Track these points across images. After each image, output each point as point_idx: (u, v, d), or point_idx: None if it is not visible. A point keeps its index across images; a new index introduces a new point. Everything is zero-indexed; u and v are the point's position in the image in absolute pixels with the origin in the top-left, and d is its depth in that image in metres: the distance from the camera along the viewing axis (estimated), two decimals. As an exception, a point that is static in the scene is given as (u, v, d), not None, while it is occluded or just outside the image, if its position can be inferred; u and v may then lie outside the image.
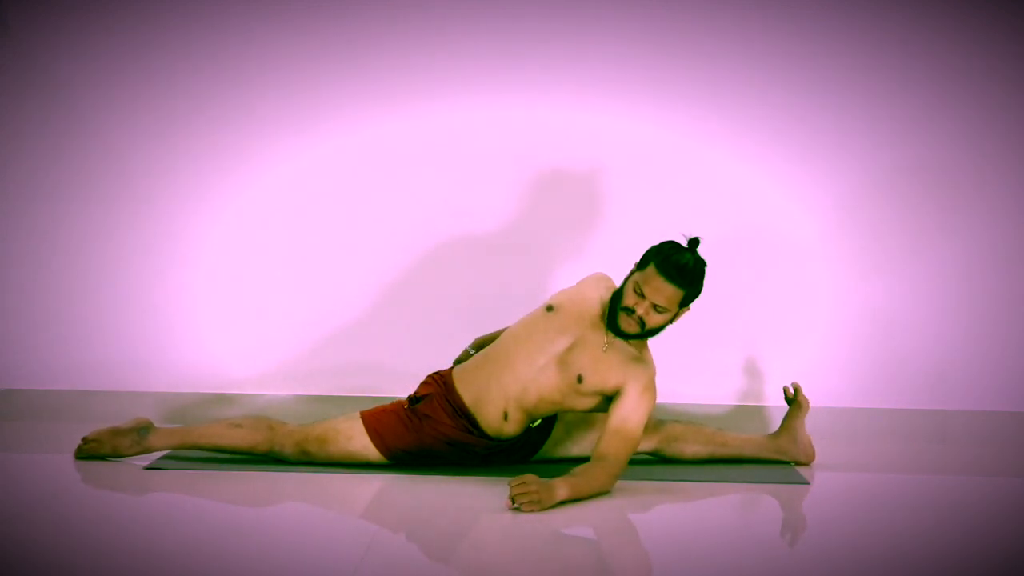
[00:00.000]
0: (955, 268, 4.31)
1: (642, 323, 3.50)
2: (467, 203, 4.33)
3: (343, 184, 4.33)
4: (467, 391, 3.66)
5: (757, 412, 4.30)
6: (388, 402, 3.87)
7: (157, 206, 4.34)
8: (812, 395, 4.05)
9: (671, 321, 3.54)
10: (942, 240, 4.31)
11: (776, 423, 4.25)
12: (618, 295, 3.54)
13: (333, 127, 4.32)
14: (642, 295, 3.47)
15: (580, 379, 3.56)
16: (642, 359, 3.59)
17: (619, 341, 3.59)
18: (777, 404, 4.27)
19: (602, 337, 3.58)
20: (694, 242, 3.53)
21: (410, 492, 3.48)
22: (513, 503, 3.24)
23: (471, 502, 3.36)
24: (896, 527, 3.24)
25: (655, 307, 3.48)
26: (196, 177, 4.33)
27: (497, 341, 3.70)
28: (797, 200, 4.31)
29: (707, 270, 3.50)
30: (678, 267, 3.44)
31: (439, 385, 3.72)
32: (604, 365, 3.55)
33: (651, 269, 3.47)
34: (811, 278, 4.32)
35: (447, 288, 4.33)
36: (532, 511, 3.22)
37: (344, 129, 4.32)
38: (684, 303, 3.52)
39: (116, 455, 3.70)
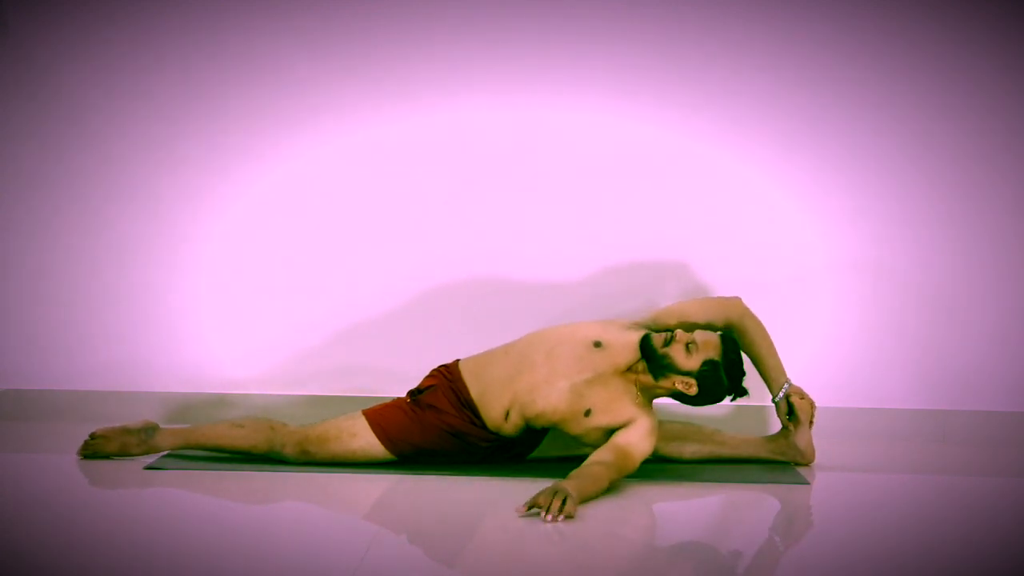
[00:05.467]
0: (955, 268, 4.31)
1: (669, 341, 3.55)
2: (468, 203, 4.33)
3: (345, 185, 4.33)
4: (475, 383, 3.68)
5: (758, 412, 4.29)
6: (388, 401, 3.87)
7: (159, 206, 4.33)
8: (812, 395, 4.02)
9: (678, 373, 3.56)
10: (942, 239, 4.31)
11: (777, 423, 4.25)
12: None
13: (334, 127, 4.31)
14: (691, 332, 3.61)
15: (588, 413, 3.57)
16: (652, 409, 3.65)
17: (635, 388, 3.61)
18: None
19: (622, 383, 3.60)
20: (744, 389, 3.69)
21: (411, 492, 3.48)
22: (543, 512, 3.14)
23: (472, 502, 3.37)
24: (896, 527, 3.24)
25: (688, 345, 3.55)
26: (198, 178, 4.33)
27: (523, 343, 3.69)
28: (798, 200, 4.31)
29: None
30: (733, 341, 3.65)
31: (444, 376, 3.73)
32: (618, 405, 3.58)
33: None
34: (812, 277, 4.32)
35: (449, 288, 4.33)
36: (568, 520, 3.16)
37: (345, 129, 4.31)
38: (704, 368, 3.56)
39: (123, 453, 3.71)
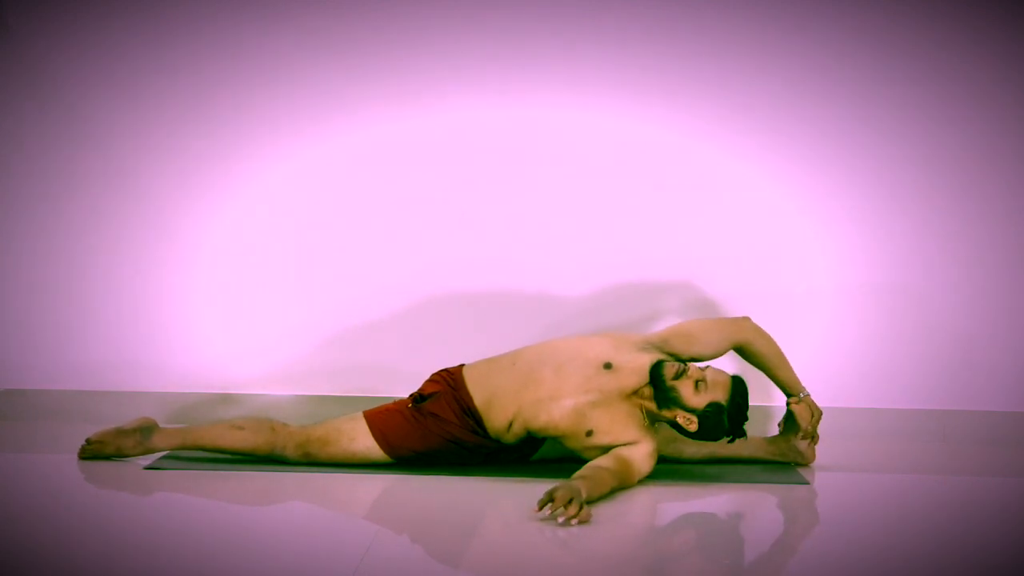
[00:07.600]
0: (955, 268, 4.31)
1: (680, 374, 3.53)
2: (470, 204, 4.33)
3: (345, 184, 4.33)
4: (479, 391, 3.66)
5: (759, 412, 4.29)
6: (389, 402, 3.86)
7: (158, 206, 4.33)
8: (812, 395, 4.03)
9: (682, 408, 3.53)
10: (943, 240, 4.31)
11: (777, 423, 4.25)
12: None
13: (335, 126, 4.31)
14: (703, 369, 3.58)
15: (590, 433, 3.57)
16: (654, 433, 3.64)
17: (640, 412, 3.60)
18: (780, 404, 4.27)
19: (626, 406, 3.58)
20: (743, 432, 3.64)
21: (411, 492, 3.48)
22: (558, 516, 3.12)
23: (473, 501, 3.37)
24: (896, 527, 3.24)
25: (698, 383, 3.53)
26: (198, 177, 4.33)
27: (531, 354, 3.68)
28: (801, 202, 4.31)
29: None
30: (743, 385, 3.57)
31: (447, 383, 3.73)
32: (620, 427, 3.57)
33: None
34: (812, 277, 4.32)
35: (449, 288, 4.33)
36: (584, 524, 3.15)
37: (345, 129, 4.31)
38: (708, 409, 3.53)
39: (120, 455, 3.70)
